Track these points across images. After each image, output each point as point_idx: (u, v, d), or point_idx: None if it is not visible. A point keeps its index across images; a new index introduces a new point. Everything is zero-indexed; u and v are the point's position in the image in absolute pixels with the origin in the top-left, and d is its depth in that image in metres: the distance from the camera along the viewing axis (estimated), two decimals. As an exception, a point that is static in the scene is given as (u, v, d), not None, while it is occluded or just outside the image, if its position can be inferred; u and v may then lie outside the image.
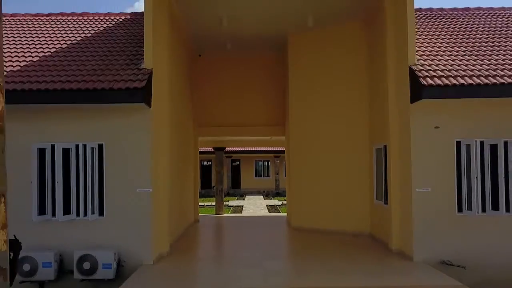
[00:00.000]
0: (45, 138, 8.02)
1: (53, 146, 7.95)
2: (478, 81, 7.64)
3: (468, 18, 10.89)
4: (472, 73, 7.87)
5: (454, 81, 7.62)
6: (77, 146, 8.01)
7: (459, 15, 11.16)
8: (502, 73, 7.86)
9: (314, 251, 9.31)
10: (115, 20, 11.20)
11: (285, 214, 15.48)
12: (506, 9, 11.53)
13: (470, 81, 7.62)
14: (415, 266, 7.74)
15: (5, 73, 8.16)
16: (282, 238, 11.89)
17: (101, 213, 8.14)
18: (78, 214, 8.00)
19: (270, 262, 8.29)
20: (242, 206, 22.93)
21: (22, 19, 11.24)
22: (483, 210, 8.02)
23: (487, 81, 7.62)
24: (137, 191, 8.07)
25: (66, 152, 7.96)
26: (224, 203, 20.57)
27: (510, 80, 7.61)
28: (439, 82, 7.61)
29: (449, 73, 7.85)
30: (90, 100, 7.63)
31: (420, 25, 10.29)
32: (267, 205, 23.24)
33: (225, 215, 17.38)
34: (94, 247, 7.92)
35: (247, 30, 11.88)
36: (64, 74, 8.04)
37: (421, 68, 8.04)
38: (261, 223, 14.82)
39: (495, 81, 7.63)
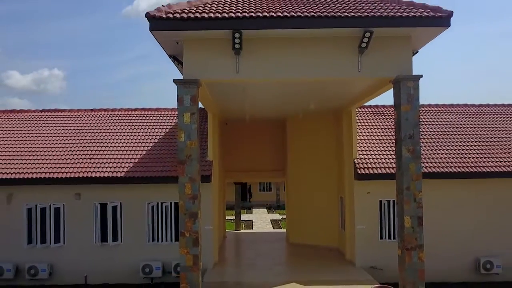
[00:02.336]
0: (152, 199, 14.72)
1: (159, 204, 14.67)
2: (388, 171, 14.33)
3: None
4: (387, 165, 14.57)
5: (375, 171, 14.32)
6: (171, 203, 14.70)
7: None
8: (402, 165, 14.50)
9: (302, 259, 16.00)
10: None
11: (285, 230, 22.19)
12: (432, 106, 18.15)
13: (384, 171, 14.33)
14: (355, 269, 14.41)
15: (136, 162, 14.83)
16: (283, 250, 18.60)
17: (184, 239, 14.82)
18: (172, 241, 14.71)
19: (277, 266, 15.00)
20: (252, 220, 29.75)
21: (119, 114, 17.87)
22: (394, 238, 14.72)
23: (393, 171, 14.30)
24: (205, 227, 14.71)
25: (165, 206, 14.69)
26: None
27: (404, 171, 14.27)
28: (367, 171, 14.32)
29: (374, 165, 14.57)
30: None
31: (366, 122, 16.97)
32: (270, 220, 30.08)
33: (242, 231, 24.16)
34: (182, 258, 14.57)
35: (260, 114, 18.54)
36: (168, 165, 14.71)
37: (359, 161, 14.75)
38: (268, 238, 21.56)
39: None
